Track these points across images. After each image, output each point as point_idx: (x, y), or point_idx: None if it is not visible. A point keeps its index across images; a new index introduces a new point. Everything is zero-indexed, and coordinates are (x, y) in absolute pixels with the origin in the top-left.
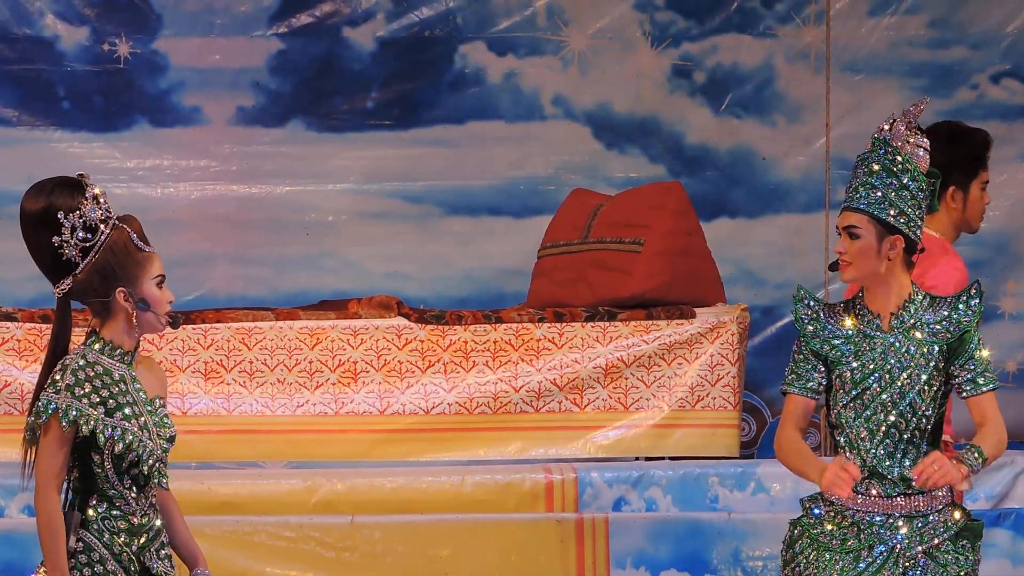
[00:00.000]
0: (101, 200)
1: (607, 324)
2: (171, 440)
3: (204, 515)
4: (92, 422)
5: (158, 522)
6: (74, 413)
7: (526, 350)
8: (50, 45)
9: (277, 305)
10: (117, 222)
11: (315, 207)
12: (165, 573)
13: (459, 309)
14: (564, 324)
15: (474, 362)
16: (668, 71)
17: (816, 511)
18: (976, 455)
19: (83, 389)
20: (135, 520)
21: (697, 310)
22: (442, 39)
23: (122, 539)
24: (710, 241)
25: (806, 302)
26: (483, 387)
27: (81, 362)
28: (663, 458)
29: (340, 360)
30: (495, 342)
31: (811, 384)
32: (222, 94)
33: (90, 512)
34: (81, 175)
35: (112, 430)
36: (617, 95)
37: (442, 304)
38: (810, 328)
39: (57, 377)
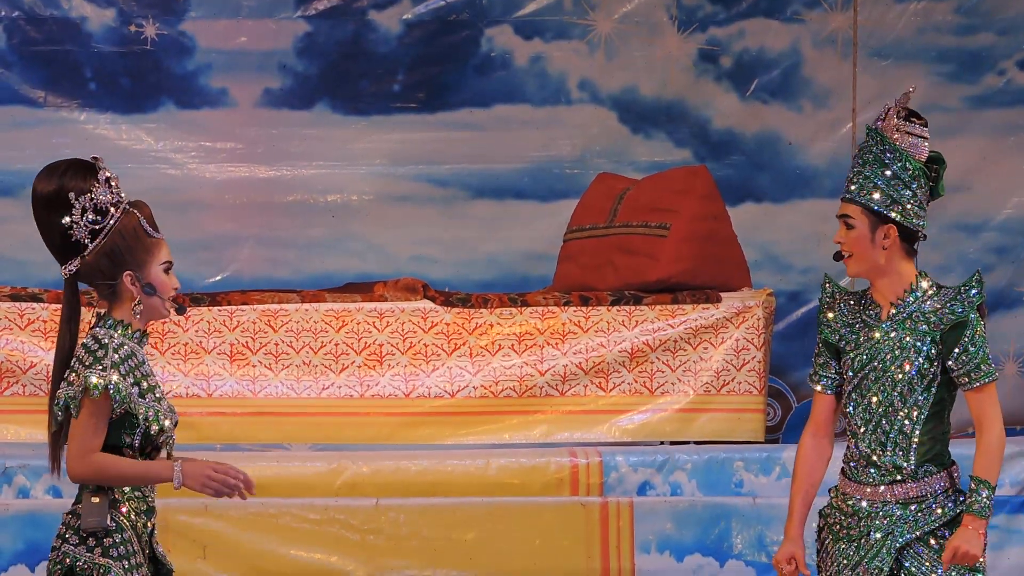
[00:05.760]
0: (113, 184)
1: (633, 308)
2: (175, 424)
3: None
4: (135, 402)
5: None
6: (123, 392)
7: (552, 334)
8: (77, 26)
9: (302, 287)
10: (128, 207)
11: (341, 189)
12: (163, 556)
13: (485, 293)
14: (590, 308)
15: (500, 345)
16: (695, 56)
17: (833, 500)
18: (985, 494)
19: (125, 368)
20: (150, 502)
21: (723, 295)
22: (468, 22)
23: (142, 520)
24: (736, 226)
25: (829, 290)
26: (508, 370)
27: (117, 342)
28: (688, 442)
29: (366, 343)
30: (521, 326)
31: (824, 381)
32: (249, 76)
33: (116, 492)
34: (95, 158)
35: (147, 410)
36: (643, 79)
37: (467, 288)
38: (825, 316)
39: (100, 355)
